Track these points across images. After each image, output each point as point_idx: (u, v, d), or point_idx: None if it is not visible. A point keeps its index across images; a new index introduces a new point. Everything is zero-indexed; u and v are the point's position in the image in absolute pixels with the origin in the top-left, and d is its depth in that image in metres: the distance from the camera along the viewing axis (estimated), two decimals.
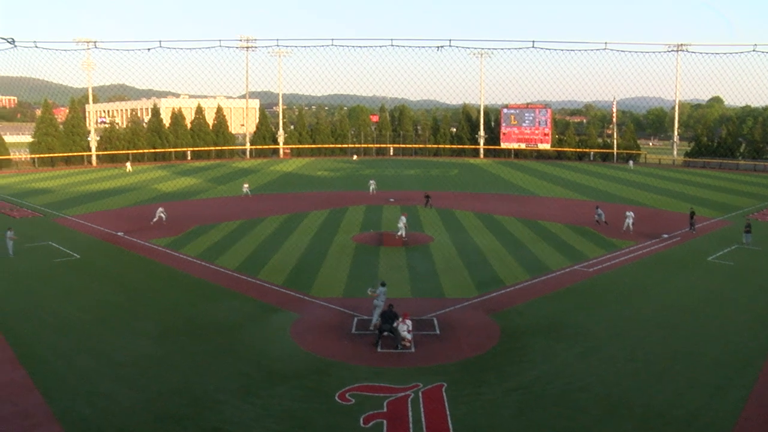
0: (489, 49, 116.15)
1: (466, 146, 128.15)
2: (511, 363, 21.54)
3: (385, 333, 23.09)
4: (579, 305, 28.04)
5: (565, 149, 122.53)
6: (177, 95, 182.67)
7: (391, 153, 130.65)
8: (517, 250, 38.56)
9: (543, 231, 45.28)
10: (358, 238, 42.48)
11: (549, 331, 24.54)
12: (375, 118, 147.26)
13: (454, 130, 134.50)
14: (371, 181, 66.85)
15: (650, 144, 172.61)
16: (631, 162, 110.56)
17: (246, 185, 67.07)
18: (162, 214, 48.49)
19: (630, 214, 45.81)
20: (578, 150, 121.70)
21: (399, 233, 41.52)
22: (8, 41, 24.78)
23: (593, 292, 30.08)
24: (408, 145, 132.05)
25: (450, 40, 22.97)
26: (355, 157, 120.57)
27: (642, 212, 51.79)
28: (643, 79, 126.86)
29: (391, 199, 61.58)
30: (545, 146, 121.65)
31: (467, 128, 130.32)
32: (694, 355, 22.14)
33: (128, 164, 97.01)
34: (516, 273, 33.27)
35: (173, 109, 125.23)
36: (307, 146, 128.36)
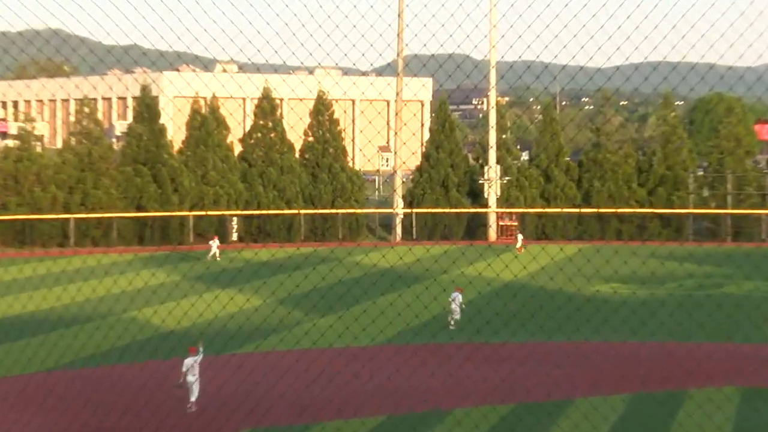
0: None
1: None
2: None
3: None
4: None
5: None
6: (209, 64, 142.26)
7: None
8: None
9: None
10: None
11: None
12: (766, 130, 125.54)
13: None
14: None
15: None
16: None
17: (457, 294, 54.91)
18: (192, 377, 38.44)
19: None
20: None
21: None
22: None
23: None
24: None
25: None
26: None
27: None
28: None
29: None
30: None
31: None
32: None
33: (213, 243, 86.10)
34: None
35: (195, 99, 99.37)
36: (572, 211, 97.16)
